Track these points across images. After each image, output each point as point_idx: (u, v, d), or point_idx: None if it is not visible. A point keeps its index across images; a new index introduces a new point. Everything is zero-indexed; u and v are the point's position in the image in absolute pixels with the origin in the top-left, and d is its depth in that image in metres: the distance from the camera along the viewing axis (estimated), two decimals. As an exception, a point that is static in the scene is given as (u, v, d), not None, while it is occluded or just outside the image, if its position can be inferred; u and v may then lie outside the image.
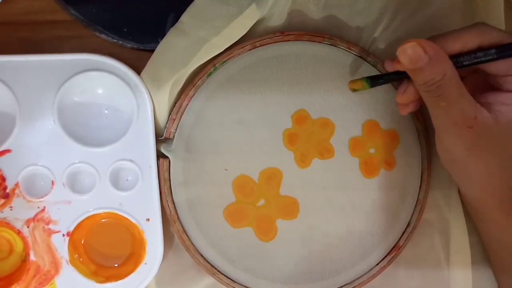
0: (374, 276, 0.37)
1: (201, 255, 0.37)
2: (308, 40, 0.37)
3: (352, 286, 0.37)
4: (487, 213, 0.35)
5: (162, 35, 0.35)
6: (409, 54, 0.30)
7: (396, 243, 0.38)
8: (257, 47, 0.36)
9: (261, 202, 0.37)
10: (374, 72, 0.37)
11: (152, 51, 0.35)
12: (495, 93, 0.31)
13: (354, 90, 0.36)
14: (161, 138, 0.37)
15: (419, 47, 0.30)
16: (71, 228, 0.36)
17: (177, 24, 0.35)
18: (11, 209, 0.35)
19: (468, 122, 0.30)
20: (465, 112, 0.30)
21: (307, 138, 0.37)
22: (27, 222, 0.35)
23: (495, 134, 0.31)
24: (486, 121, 0.30)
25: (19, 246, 0.36)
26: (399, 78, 0.34)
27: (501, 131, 0.31)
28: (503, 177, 0.32)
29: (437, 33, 0.37)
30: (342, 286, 0.37)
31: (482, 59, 0.30)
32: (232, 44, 0.36)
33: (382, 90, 0.37)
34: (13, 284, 0.35)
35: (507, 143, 0.31)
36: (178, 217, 0.37)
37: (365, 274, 0.37)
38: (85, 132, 0.36)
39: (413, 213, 0.38)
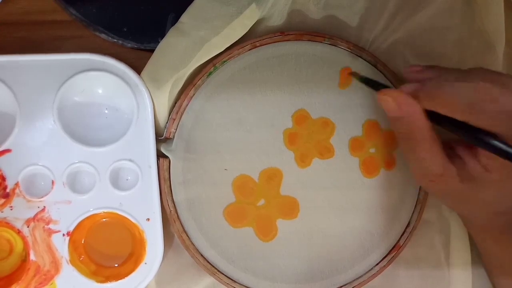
0: (374, 276, 0.37)
1: (201, 255, 0.37)
2: (308, 40, 0.37)
3: (352, 286, 0.37)
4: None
5: (162, 35, 0.35)
6: (385, 103, 0.31)
7: (396, 243, 0.38)
8: (257, 47, 0.36)
9: (261, 202, 0.37)
10: (372, 72, 0.37)
11: (152, 51, 0.35)
12: (472, 156, 0.30)
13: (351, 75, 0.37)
14: (161, 138, 0.37)
15: (394, 102, 0.30)
16: (71, 228, 0.36)
17: (177, 24, 0.35)
18: (11, 209, 0.35)
19: (431, 177, 0.31)
20: (429, 169, 0.31)
21: (307, 138, 0.37)
22: (27, 222, 0.35)
23: (458, 191, 0.31)
24: (451, 180, 0.31)
25: (19, 246, 0.36)
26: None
27: (463, 191, 0.31)
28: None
29: (437, 33, 0.38)
30: (342, 286, 0.37)
31: (461, 134, 0.29)
32: (232, 44, 0.36)
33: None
34: (13, 284, 0.35)
35: (469, 201, 0.32)
36: (178, 216, 0.37)
37: (365, 274, 0.37)
38: (85, 132, 0.36)
39: (413, 213, 0.38)
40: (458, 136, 0.29)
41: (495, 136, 0.27)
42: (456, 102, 0.28)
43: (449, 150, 0.31)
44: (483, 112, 0.27)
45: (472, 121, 0.28)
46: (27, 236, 0.35)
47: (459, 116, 0.28)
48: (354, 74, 0.37)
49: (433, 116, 0.30)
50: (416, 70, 0.33)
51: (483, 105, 0.27)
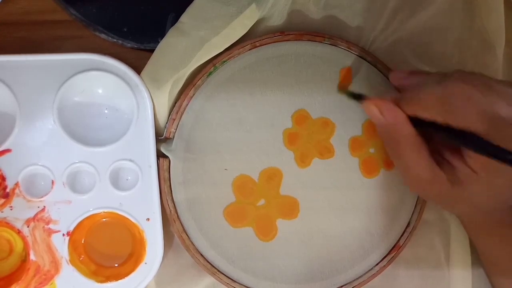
0: (374, 276, 0.37)
1: (201, 255, 0.37)
2: (308, 40, 0.37)
3: (352, 286, 0.37)
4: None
5: (162, 35, 0.35)
6: (369, 111, 0.31)
7: (396, 243, 0.37)
8: (257, 47, 0.36)
9: (261, 202, 0.37)
10: (372, 72, 0.37)
11: (152, 51, 0.35)
12: (459, 159, 0.30)
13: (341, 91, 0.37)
14: (161, 138, 0.37)
15: (376, 109, 0.30)
16: (71, 228, 0.36)
17: (177, 24, 0.35)
18: (11, 209, 0.35)
19: (420, 183, 0.31)
20: (418, 175, 0.30)
21: (307, 138, 0.37)
22: (27, 222, 0.35)
23: (449, 195, 0.31)
24: (441, 185, 0.30)
25: (19, 246, 0.36)
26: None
27: (454, 194, 0.30)
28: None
29: (437, 33, 0.38)
30: (342, 286, 0.37)
31: (444, 137, 0.29)
32: (232, 44, 0.36)
33: (382, 89, 0.37)
34: (13, 284, 0.35)
35: (461, 203, 0.32)
36: (178, 216, 0.37)
37: (365, 274, 0.37)
38: (85, 132, 0.36)
39: (413, 213, 0.38)
40: (444, 140, 0.29)
41: (475, 135, 0.27)
42: (432, 105, 0.28)
43: (437, 156, 0.31)
44: (458, 112, 0.28)
45: (451, 122, 0.28)
46: (27, 236, 0.35)
47: (439, 119, 0.28)
48: (343, 92, 0.36)
49: (417, 122, 0.30)
50: (400, 77, 0.33)
51: (457, 105, 0.28)
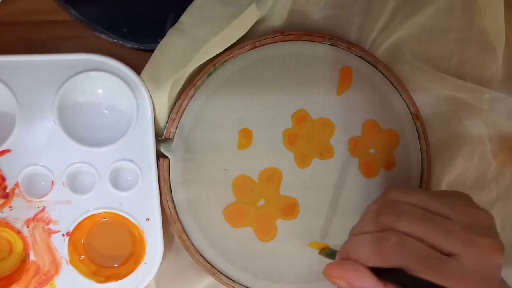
0: (374, 276, 0.37)
1: (201, 255, 0.37)
2: (308, 40, 0.37)
3: (352, 286, 0.37)
4: None
5: (162, 35, 0.35)
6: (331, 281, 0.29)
7: (396, 243, 0.37)
8: (257, 47, 0.36)
9: (261, 202, 0.37)
10: (372, 72, 0.37)
11: (152, 51, 0.35)
12: None
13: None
14: (161, 138, 0.37)
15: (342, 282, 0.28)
16: (71, 228, 0.36)
17: (177, 24, 0.35)
18: (11, 209, 0.35)
19: None
20: None
21: (307, 138, 0.37)
22: (27, 222, 0.35)
23: None
24: None
25: (19, 246, 0.36)
26: None
27: None
28: None
29: (437, 33, 0.38)
30: (342, 286, 0.37)
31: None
32: (232, 44, 0.36)
33: (382, 90, 0.37)
34: (13, 284, 0.35)
35: None
36: (178, 217, 0.37)
37: (365, 274, 0.37)
38: (85, 132, 0.36)
39: (413, 213, 0.37)
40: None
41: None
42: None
43: None
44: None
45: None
46: (27, 237, 0.35)
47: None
48: (322, 251, 0.36)
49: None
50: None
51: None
